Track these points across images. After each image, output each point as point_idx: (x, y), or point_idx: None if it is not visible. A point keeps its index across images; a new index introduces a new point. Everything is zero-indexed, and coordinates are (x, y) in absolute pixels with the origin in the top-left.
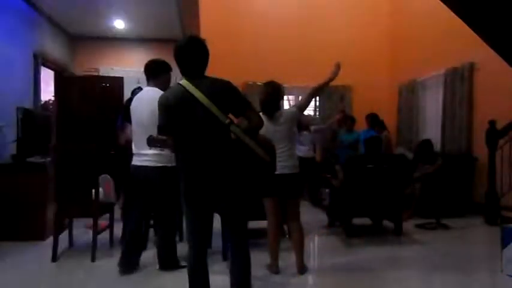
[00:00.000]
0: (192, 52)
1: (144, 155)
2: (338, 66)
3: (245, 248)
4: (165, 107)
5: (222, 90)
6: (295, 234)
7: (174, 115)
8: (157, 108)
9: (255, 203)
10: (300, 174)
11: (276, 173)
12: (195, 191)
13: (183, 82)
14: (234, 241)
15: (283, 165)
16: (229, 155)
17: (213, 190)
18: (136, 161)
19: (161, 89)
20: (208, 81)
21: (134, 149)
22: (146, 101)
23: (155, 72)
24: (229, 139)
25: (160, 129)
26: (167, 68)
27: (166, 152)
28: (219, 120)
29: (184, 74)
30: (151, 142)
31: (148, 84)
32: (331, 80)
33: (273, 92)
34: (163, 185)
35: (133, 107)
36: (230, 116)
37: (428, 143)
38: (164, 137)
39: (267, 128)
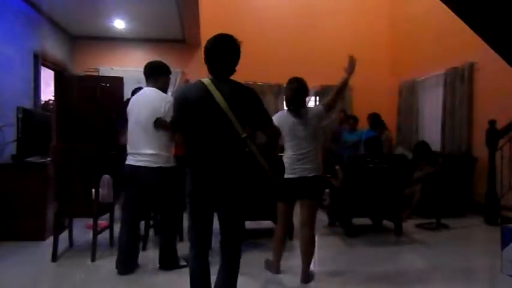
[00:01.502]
0: (219, 51)
1: (141, 155)
2: (352, 61)
3: (236, 262)
4: (181, 103)
5: (244, 98)
6: (304, 241)
7: (189, 112)
8: (158, 107)
9: (258, 203)
10: (322, 177)
11: (296, 176)
12: (201, 192)
13: (205, 80)
14: (226, 253)
15: (304, 167)
16: (239, 163)
17: (218, 194)
18: (131, 161)
19: (160, 90)
20: (232, 85)
21: (129, 149)
22: (146, 101)
23: (155, 74)
24: (240, 148)
25: (173, 124)
26: (167, 71)
27: (163, 152)
28: (234, 127)
29: (211, 73)
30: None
31: (148, 85)
32: (349, 76)
33: (299, 89)
34: (161, 185)
35: (131, 107)
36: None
37: (424, 144)
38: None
39: (292, 126)
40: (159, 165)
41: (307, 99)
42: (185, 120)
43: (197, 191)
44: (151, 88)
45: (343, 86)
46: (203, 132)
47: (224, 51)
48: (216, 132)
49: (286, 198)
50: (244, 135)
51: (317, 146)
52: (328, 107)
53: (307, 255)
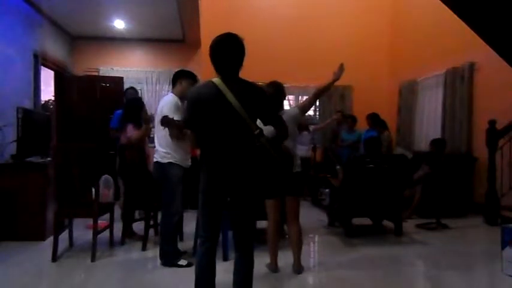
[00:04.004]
0: (226, 50)
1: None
2: (341, 68)
3: (251, 257)
4: (194, 102)
5: (254, 97)
6: (293, 235)
7: (202, 111)
8: (160, 108)
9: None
10: (301, 173)
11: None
12: (215, 190)
13: (216, 81)
14: (241, 248)
15: None
16: (251, 159)
17: (231, 191)
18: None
19: (179, 95)
20: (242, 84)
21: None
22: (160, 104)
23: (173, 81)
24: (252, 144)
25: (185, 122)
26: (181, 77)
27: (161, 148)
28: (246, 125)
29: (218, 72)
30: (163, 121)
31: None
32: (334, 81)
33: (276, 92)
34: (158, 179)
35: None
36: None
37: (443, 143)
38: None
39: (269, 128)
40: (156, 160)
41: (283, 102)
42: (197, 119)
43: (212, 188)
44: (170, 93)
45: (323, 90)
46: (217, 130)
47: (231, 49)
48: (230, 130)
49: (273, 192)
50: (257, 131)
51: (294, 145)
52: (303, 110)
53: (298, 245)
